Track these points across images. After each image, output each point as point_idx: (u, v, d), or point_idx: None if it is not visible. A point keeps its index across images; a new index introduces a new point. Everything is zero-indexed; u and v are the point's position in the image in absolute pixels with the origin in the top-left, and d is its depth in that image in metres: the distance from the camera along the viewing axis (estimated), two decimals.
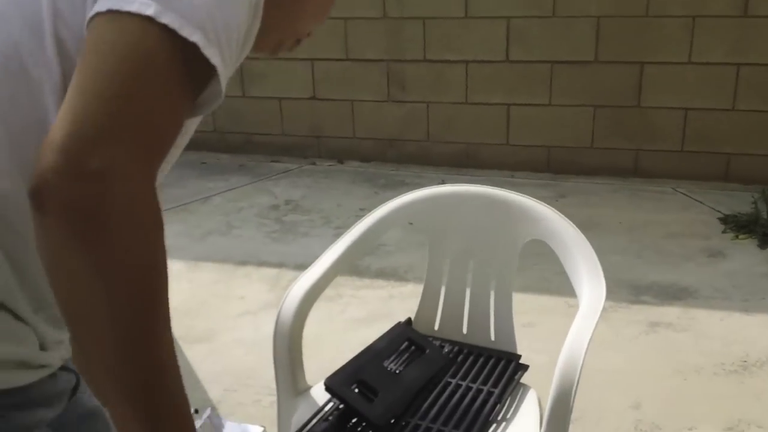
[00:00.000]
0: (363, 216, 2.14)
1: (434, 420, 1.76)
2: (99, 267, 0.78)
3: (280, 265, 4.23)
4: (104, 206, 0.77)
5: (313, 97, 6.28)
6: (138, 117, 0.81)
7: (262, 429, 2.51)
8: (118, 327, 0.80)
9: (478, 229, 2.12)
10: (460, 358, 2.04)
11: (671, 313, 3.59)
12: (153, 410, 0.84)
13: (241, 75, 6.36)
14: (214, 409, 2.31)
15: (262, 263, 4.27)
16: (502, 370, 1.98)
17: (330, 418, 1.73)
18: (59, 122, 0.78)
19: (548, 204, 2.05)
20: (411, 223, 2.24)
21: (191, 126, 1.03)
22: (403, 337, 1.99)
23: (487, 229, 2.11)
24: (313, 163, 6.33)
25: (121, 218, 0.78)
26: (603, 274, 1.83)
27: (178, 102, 0.85)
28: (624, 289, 3.82)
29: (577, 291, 1.85)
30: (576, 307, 1.79)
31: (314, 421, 1.72)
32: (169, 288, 0.84)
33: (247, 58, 0.99)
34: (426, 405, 1.81)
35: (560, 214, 2.00)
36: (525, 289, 3.66)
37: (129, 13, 0.81)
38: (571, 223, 1.97)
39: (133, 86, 0.81)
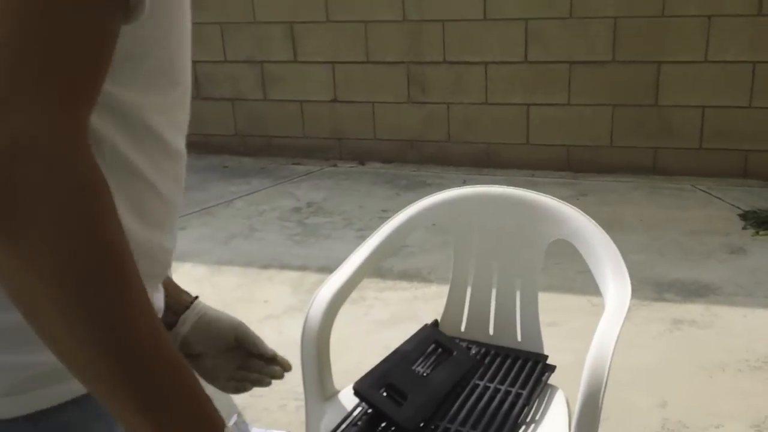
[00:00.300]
0: (385, 217, 2.15)
1: (463, 423, 1.76)
2: (30, 265, 0.63)
3: (302, 267, 4.24)
4: (16, 192, 0.61)
5: (334, 100, 6.30)
6: (36, 54, 0.63)
7: None
8: (76, 327, 0.66)
9: (502, 230, 2.12)
10: (487, 360, 2.04)
11: (694, 310, 3.58)
12: (147, 399, 0.71)
13: (261, 78, 6.40)
14: (240, 415, 2.31)
15: (284, 266, 4.29)
16: (530, 371, 1.98)
17: (359, 422, 1.72)
18: None
19: (569, 203, 2.05)
20: (434, 224, 2.25)
21: (181, 18, 0.84)
22: (431, 340, 1.99)
23: (511, 229, 2.11)
24: (335, 165, 6.35)
25: (43, 200, 0.62)
26: (628, 273, 1.84)
27: (93, 12, 0.66)
28: (646, 286, 3.82)
29: (603, 290, 1.85)
30: (600, 306, 1.79)
31: (343, 426, 1.72)
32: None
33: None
34: (455, 408, 1.82)
35: (584, 214, 2.00)
36: (548, 288, 3.64)
37: None
38: (595, 222, 1.98)
39: (18, 9, 0.62)
